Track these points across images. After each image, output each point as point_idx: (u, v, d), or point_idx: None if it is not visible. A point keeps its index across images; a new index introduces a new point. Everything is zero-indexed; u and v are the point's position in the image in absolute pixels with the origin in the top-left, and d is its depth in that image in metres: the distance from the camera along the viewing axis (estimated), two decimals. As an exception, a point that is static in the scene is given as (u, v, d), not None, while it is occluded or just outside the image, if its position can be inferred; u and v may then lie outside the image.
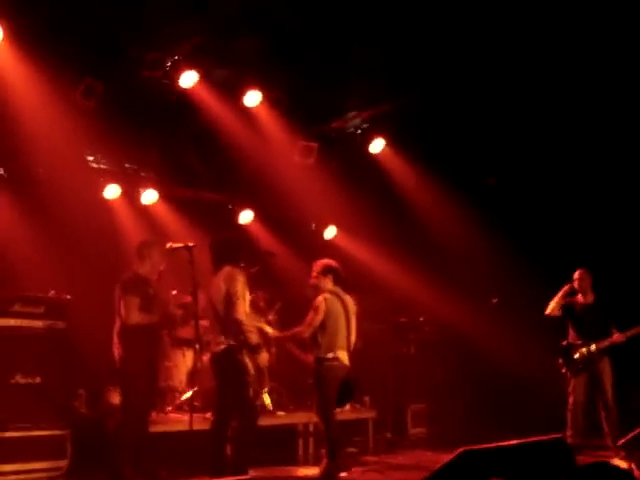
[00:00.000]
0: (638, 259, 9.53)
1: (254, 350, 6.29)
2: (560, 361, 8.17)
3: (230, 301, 6.17)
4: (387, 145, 9.81)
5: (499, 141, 9.64)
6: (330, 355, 6.93)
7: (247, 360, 6.21)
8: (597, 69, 7.92)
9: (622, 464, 5.50)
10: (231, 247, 6.65)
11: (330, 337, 6.97)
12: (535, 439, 4.86)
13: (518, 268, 9.78)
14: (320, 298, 7.06)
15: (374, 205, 10.16)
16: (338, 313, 7.04)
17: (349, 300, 7.25)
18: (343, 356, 7.00)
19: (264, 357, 6.75)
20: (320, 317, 6.96)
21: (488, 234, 9.88)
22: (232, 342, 6.17)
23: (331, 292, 7.14)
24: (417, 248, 10.33)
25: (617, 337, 7.93)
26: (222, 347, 6.21)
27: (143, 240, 7.17)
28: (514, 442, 4.78)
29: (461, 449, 4.49)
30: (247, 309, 6.31)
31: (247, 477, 4.15)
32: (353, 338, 7.18)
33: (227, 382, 6.25)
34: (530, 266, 9.68)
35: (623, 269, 9.53)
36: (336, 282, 7.20)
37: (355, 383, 7.12)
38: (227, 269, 6.33)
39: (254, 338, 6.30)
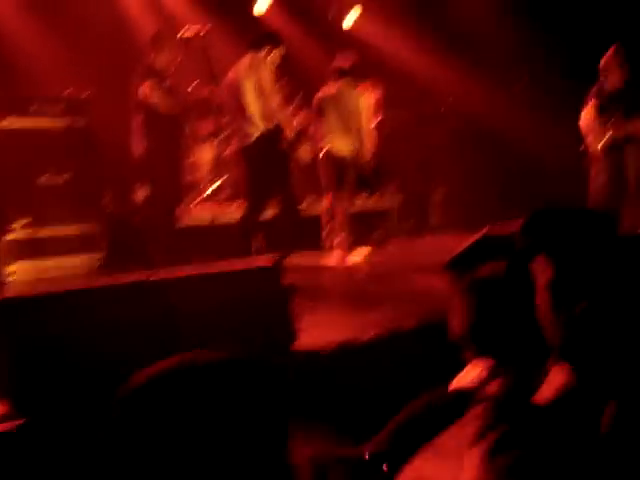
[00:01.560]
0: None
1: (294, 142, 6.28)
2: (583, 147, 8.02)
3: (264, 94, 6.04)
4: None
5: None
6: (323, 144, 7.10)
7: (285, 147, 6.21)
8: None
9: None
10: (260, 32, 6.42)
11: (324, 127, 7.12)
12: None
13: (545, 50, 9.42)
14: (319, 93, 7.19)
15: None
16: (334, 106, 7.08)
17: (358, 93, 7.28)
18: (339, 145, 7.08)
19: (305, 150, 6.72)
20: (314, 109, 7.20)
21: (514, 16, 9.42)
22: (266, 129, 6.09)
23: (333, 86, 7.18)
24: (441, 32, 9.92)
25: None
26: (256, 135, 6.11)
27: (157, 30, 6.94)
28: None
29: (486, 228, 4.54)
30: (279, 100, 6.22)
31: (276, 262, 4.23)
32: (364, 129, 7.23)
33: (265, 169, 6.17)
34: (557, 48, 9.31)
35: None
36: (342, 76, 7.15)
37: (373, 172, 7.23)
38: (250, 56, 6.12)
39: (292, 130, 6.30)
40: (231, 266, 4.29)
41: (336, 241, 7.49)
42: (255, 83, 6.04)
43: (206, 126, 7.76)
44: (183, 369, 1.18)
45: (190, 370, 1.18)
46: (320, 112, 7.13)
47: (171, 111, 6.53)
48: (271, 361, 1.26)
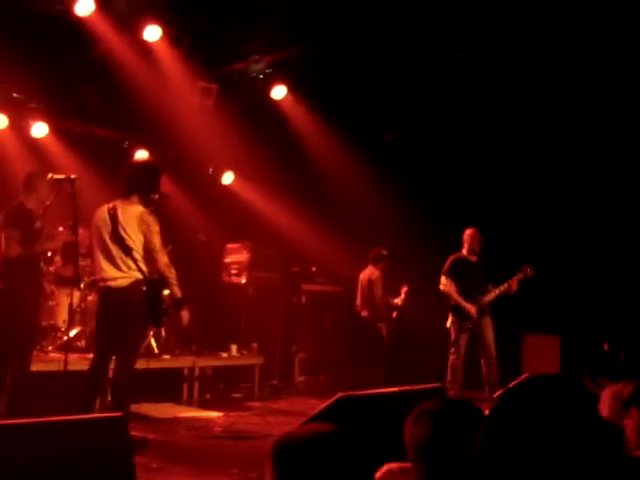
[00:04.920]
0: (523, 213, 9.78)
1: (179, 305, 5.95)
2: (452, 318, 8.33)
3: (149, 253, 5.81)
4: (288, 92, 9.70)
5: (398, 97, 9.67)
6: None
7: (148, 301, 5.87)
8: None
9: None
10: (149, 174, 6.13)
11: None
12: (412, 387, 4.98)
13: (412, 222, 9.92)
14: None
15: (273, 152, 10.07)
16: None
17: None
18: None
19: (186, 315, 6.15)
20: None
21: (384, 187, 9.96)
22: (138, 277, 5.79)
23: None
24: (313, 198, 10.33)
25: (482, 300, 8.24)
26: (125, 282, 5.77)
27: (30, 172, 6.90)
28: (391, 389, 4.89)
29: (339, 394, 4.57)
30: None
31: (120, 414, 4.07)
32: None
33: (120, 320, 5.81)
34: (423, 220, 9.84)
35: (512, 224, 9.78)
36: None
37: None
38: (140, 209, 5.89)
39: (178, 291, 5.90)
40: (74, 416, 4.10)
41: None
42: (146, 243, 5.83)
43: (70, 270, 7.57)
44: None
45: None
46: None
47: (35, 253, 6.39)
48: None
